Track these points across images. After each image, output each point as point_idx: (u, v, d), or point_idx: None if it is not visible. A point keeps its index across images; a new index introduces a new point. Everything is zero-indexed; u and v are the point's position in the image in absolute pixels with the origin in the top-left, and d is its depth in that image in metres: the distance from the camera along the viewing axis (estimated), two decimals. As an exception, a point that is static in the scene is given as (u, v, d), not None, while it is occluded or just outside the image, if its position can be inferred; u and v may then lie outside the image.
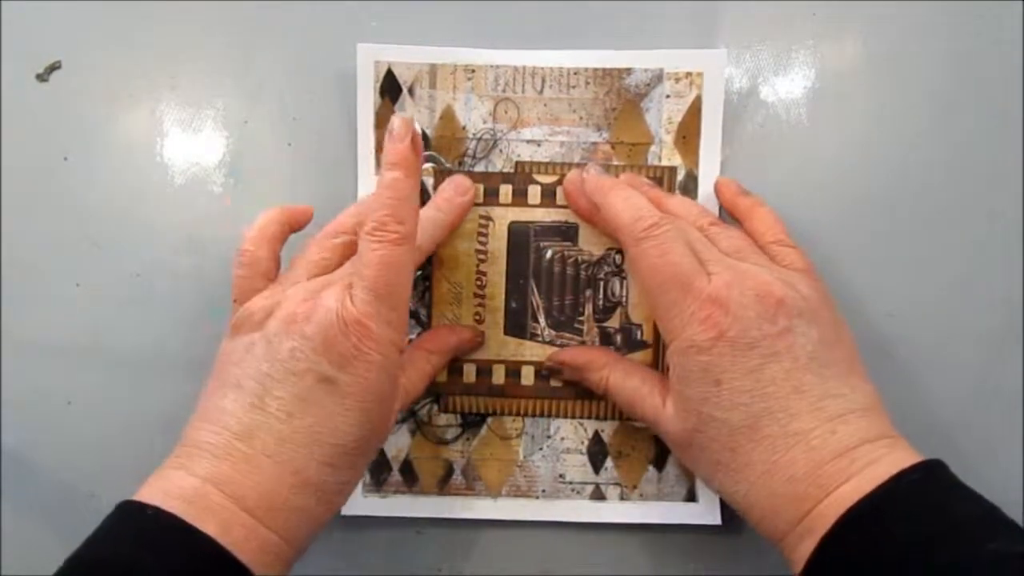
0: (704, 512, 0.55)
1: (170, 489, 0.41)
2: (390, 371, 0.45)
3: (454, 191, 0.54)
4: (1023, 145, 0.55)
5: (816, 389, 0.44)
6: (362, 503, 0.55)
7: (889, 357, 0.56)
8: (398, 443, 0.56)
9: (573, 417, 0.56)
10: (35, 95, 0.56)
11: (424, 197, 0.55)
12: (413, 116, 0.52)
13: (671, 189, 0.55)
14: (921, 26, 0.56)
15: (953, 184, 0.56)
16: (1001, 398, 0.55)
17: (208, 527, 0.39)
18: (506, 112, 0.55)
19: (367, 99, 0.55)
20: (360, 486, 0.56)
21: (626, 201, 0.49)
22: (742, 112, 0.56)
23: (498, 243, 0.55)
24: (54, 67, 0.56)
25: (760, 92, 0.56)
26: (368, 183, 0.56)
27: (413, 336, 0.56)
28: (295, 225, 0.52)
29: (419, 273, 0.56)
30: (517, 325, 0.56)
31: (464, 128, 0.55)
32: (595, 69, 0.55)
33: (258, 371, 0.43)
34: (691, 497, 0.55)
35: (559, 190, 0.55)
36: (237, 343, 0.45)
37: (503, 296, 0.56)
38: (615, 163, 0.55)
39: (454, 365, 0.56)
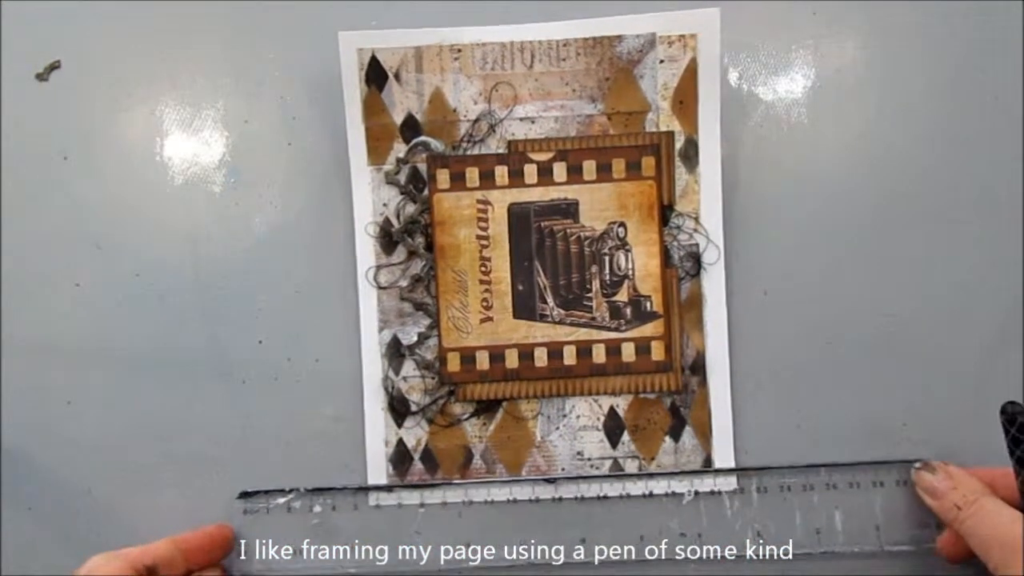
0: (721, 480, 0.54)
1: None
2: None
3: None
4: (1023, 145, 0.55)
5: None
6: (386, 495, 0.55)
7: (889, 357, 0.55)
8: (416, 433, 0.55)
9: (587, 394, 0.55)
10: (35, 95, 0.57)
11: (419, 185, 0.55)
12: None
13: (670, 156, 0.55)
14: (921, 26, 0.56)
15: (953, 184, 0.55)
16: (1001, 398, 0.54)
17: None
18: (497, 90, 0.55)
19: (353, 89, 0.54)
20: (384, 479, 0.55)
21: None
22: (742, 112, 0.56)
23: (499, 227, 0.55)
24: (54, 67, 0.57)
25: (760, 91, 0.56)
26: (361, 176, 0.55)
27: (423, 328, 0.55)
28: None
29: (422, 264, 0.55)
30: (526, 307, 0.55)
31: (455, 110, 0.55)
32: (585, 39, 0.54)
33: None
34: (708, 465, 0.54)
35: (556, 166, 0.55)
36: None
37: (509, 279, 0.55)
38: (611, 132, 0.55)
39: (467, 355, 0.55)
